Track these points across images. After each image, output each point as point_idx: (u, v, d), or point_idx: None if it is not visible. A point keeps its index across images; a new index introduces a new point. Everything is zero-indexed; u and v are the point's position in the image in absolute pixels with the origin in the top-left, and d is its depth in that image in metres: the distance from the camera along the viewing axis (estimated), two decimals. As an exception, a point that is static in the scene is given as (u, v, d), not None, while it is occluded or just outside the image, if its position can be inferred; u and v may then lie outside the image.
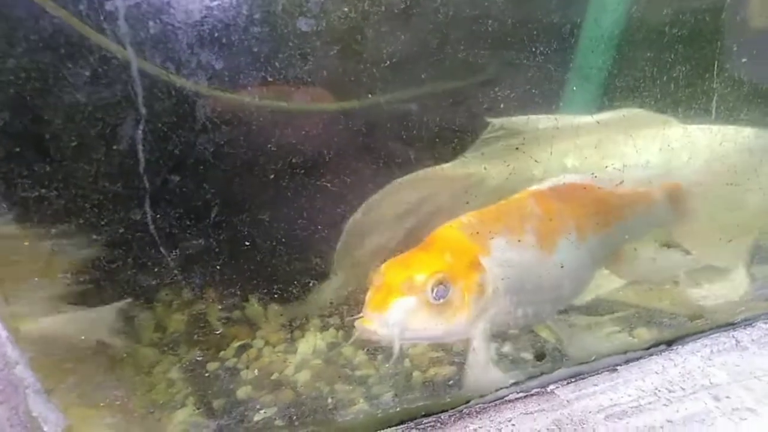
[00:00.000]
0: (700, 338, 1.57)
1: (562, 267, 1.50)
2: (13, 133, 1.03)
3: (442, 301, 1.28)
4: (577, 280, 1.60)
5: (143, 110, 1.05)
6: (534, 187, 1.57)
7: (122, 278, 1.27)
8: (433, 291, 1.27)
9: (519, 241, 1.44)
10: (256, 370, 1.73)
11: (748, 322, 1.61)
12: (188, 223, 1.24)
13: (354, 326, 1.28)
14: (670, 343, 1.58)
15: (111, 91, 1.03)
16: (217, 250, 1.34)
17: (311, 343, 1.85)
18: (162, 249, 1.21)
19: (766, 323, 1.60)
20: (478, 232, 1.41)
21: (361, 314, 1.27)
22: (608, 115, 1.78)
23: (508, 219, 1.47)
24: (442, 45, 1.55)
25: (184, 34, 1.03)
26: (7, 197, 1.05)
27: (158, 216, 1.17)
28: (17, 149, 1.03)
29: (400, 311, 1.25)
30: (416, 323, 1.27)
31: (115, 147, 1.09)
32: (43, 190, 1.07)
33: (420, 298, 1.26)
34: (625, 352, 1.55)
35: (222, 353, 1.75)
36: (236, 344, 1.78)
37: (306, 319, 1.88)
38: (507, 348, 1.84)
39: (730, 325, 1.61)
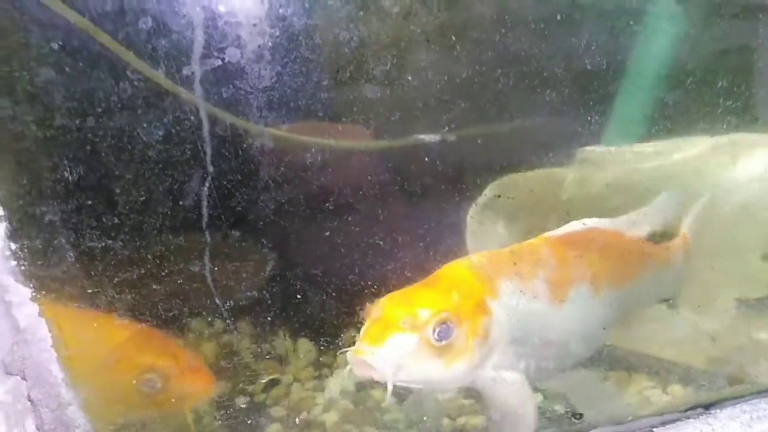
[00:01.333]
0: (739, 403, 1.54)
1: (571, 320, 1.42)
2: (85, 186, 1.09)
3: (444, 342, 1.19)
4: (587, 336, 1.52)
5: (210, 168, 1.11)
6: (549, 233, 1.47)
7: (176, 326, 1.33)
8: (435, 331, 1.18)
9: (529, 288, 1.35)
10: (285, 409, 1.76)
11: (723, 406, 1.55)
12: (244, 276, 1.29)
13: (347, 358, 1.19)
14: (707, 407, 1.56)
15: (181, 149, 1.10)
16: (269, 301, 1.38)
17: (338, 382, 1.88)
18: (217, 300, 1.26)
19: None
20: (487, 273, 1.32)
21: (353, 347, 1.19)
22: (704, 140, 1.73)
23: (520, 264, 1.38)
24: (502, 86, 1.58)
25: (255, 98, 1.10)
26: (76, 246, 1.10)
27: (216, 268, 1.22)
28: (89, 202, 1.09)
29: (397, 348, 1.15)
30: (413, 364, 1.17)
31: (180, 202, 1.15)
32: (109, 241, 1.12)
33: (420, 337, 1.17)
34: (662, 414, 1.56)
35: (251, 387, 1.79)
36: (265, 379, 1.83)
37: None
38: (539, 400, 1.87)
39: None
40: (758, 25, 1.82)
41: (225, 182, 1.16)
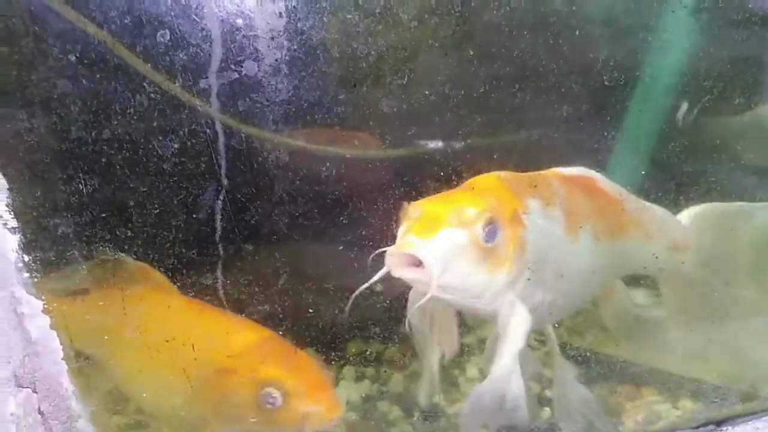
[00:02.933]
0: (751, 419, 1.56)
1: (580, 258, 1.37)
2: (99, 199, 1.10)
3: (490, 244, 1.11)
4: (588, 283, 1.46)
5: (225, 181, 1.12)
6: (559, 169, 1.42)
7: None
8: (484, 229, 1.10)
9: (550, 213, 1.29)
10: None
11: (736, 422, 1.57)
12: (257, 290, 1.30)
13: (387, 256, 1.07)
14: (719, 423, 1.56)
15: (196, 162, 1.12)
16: (280, 315, 1.38)
17: (344, 394, 1.88)
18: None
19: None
20: (516, 188, 1.26)
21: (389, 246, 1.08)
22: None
23: (541, 187, 1.32)
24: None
25: (271, 111, 1.11)
26: (88, 259, 1.11)
27: (228, 281, 1.23)
28: (102, 214, 1.10)
29: (447, 242, 1.06)
30: (459, 263, 1.09)
31: (195, 216, 1.16)
32: (122, 254, 1.14)
33: (470, 233, 1.09)
34: (673, 430, 1.57)
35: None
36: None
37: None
38: (546, 417, 1.88)
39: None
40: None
41: (238, 194, 1.17)
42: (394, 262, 1.06)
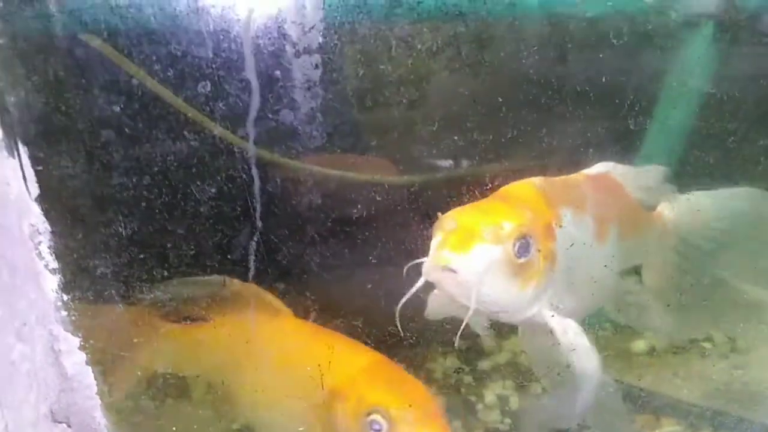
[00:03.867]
0: None
1: (608, 260, 1.37)
2: (139, 241, 1.13)
3: (523, 259, 1.12)
4: (611, 283, 1.46)
5: (259, 224, 1.15)
6: (587, 171, 1.43)
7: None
8: (516, 245, 1.11)
9: (581, 220, 1.29)
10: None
11: None
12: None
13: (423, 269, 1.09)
14: None
15: (231, 206, 1.15)
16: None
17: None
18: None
19: None
20: (550, 198, 1.25)
21: (424, 258, 1.10)
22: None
23: (574, 194, 1.33)
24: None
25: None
26: (125, 298, 1.14)
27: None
28: (140, 256, 1.13)
29: (483, 258, 1.07)
30: (493, 278, 1.09)
31: (229, 256, 1.19)
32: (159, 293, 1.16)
33: (504, 249, 1.10)
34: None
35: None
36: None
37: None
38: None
39: None
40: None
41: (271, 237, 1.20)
42: (434, 273, 1.08)
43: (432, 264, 1.08)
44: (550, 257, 1.18)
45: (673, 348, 2.29)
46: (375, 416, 1.21)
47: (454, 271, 1.07)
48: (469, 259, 1.06)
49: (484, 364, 2.14)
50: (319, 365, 1.26)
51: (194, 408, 1.54)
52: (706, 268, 1.66)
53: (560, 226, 1.22)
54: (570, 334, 1.23)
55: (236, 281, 1.31)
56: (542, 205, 1.22)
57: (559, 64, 1.64)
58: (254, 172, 1.10)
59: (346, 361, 1.31)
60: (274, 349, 1.38)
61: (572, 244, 1.24)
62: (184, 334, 1.42)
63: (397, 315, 1.13)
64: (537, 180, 1.28)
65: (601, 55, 1.68)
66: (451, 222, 1.11)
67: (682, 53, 1.93)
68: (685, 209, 1.62)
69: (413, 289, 1.10)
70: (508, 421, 1.88)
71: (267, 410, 1.39)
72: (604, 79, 1.67)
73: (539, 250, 1.15)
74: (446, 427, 1.25)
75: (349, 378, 1.27)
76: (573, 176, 1.41)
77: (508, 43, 1.55)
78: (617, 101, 1.71)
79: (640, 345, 2.30)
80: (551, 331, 1.23)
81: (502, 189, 1.25)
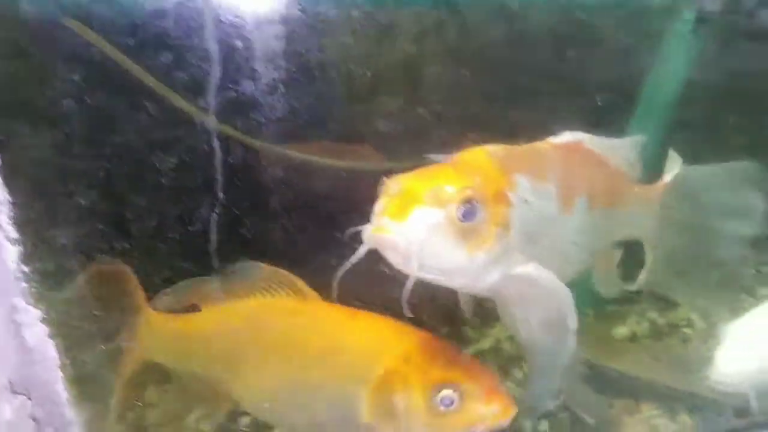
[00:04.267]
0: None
1: (574, 230, 1.34)
2: (100, 212, 1.12)
3: (468, 223, 1.08)
4: (583, 255, 1.43)
5: (221, 195, 1.14)
6: (553, 139, 1.39)
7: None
8: (460, 208, 1.07)
9: (541, 188, 1.26)
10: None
11: None
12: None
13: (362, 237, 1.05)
14: None
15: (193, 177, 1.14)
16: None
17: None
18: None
19: None
20: (505, 164, 1.21)
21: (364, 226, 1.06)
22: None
23: (533, 162, 1.28)
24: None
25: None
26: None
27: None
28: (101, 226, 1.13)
29: (422, 222, 1.04)
30: (437, 243, 1.06)
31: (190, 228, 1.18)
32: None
33: (447, 213, 1.06)
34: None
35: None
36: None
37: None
38: (544, 427, 1.88)
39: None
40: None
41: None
42: (374, 240, 1.05)
43: (371, 230, 1.05)
44: (503, 223, 1.15)
45: (654, 333, 2.30)
46: (445, 392, 1.21)
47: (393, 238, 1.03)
48: (408, 225, 1.03)
49: (467, 351, 2.14)
50: (367, 348, 1.28)
51: (178, 395, 1.54)
52: (706, 241, 1.65)
53: (515, 193, 1.19)
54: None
55: (265, 266, 1.30)
56: (494, 171, 1.18)
57: (535, 53, 1.63)
58: (216, 144, 1.09)
59: (396, 341, 1.29)
60: (314, 334, 1.36)
61: (531, 212, 1.21)
62: (196, 321, 1.39)
63: (334, 283, 1.11)
64: (492, 146, 1.25)
65: (582, 41, 1.68)
66: (394, 185, 1.08)
67: (662, 40, 1.91)
68: (686, 182, 1.61)
69: (354, 258, 1.06)
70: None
71: (298, 397, 1.36)
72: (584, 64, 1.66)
73: (488, 216, 1.11)
74: (509, 397, 1.26)
75: (406, 357, 1.26)
76: (536, 144, 1.37)
77: (488, 29, 1.54)
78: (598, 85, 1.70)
79: (621, 331, 2.31)
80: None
81: (455, 155, 1.21)
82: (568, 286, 1.25)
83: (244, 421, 1.77)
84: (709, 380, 1.61)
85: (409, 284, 1.06)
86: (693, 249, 1.65)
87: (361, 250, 1.05)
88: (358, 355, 1.28)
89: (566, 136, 1.40)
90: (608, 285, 1.65)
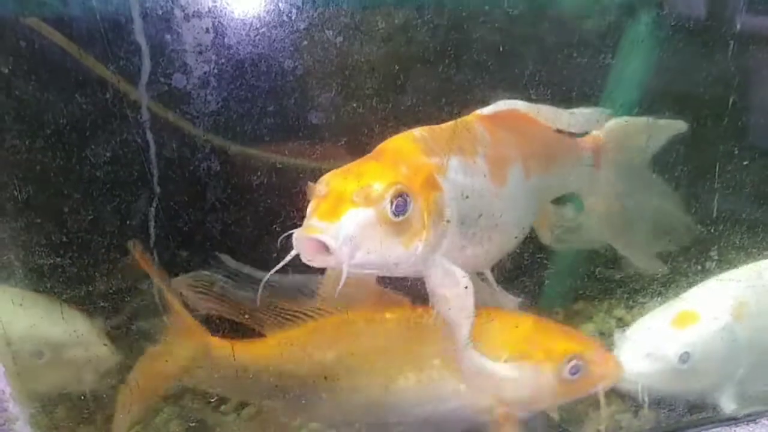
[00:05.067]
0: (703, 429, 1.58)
1: (511, 201, 1.35)
2: (34, 205, 1.13)
3: (401, 217, 1.07)
4: (523, 223, 1.45)
5: (158, 189, 1.15)
6: (481, 111, 1.37)
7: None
8: (392, 204, 1.06)
9: (472, 165, 1.25)
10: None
11: (751, 418, 1.60)
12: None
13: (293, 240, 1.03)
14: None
15: (128, 171, 1.15)
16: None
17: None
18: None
19: None
20: (432, 148, 1.21)
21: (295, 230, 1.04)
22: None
23: (460, 139, 1.27)
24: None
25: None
26: (25, 263, 1.14)
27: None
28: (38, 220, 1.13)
29: (353, 223, 1.03)
30: (370, 242, 1.05)
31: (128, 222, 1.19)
32: (58, 259, 1.16)
33: (377, 211, 1.05)
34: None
35: (223, 407, 1.77)
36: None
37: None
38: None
39: (732, 420, 1.61)
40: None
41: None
42: (303, 245, 1.03)
43: (301, 235, 1.03)
44: (437, 210, 1.15)
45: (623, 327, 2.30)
46: (574, 362, 1.44)
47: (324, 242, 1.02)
48: (339, 227, 1.02)
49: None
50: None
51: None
52: (644, 191, 1.72)
53: (445, 175, 1.19)
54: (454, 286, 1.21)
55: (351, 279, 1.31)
56: (422, 157, 1.18)
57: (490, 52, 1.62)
58: (150, 137, 1.10)
59: (510, 328, 1.47)
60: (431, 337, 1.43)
61: (465, 191, 1.22)
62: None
63: (260, 289, 1.12)
64: (417, 131, 1.24)
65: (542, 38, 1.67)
66: (322, 187, 1.08)
67: (622, 40, 1.92)
68: (618, 133, 1.66)
69: (284, 261, 1.05)
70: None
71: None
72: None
73: (420, 206, 1.11)
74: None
75: (527, 340, 1.46)
76: (464, 119, 1.34)
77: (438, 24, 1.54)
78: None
79: (589, 328, 2.30)
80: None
81: (379, 146, 1.20)
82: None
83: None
84: None
85: (343, 280, 1.05)
86: (627, 199, 1.70)
87: (292, 253, 1.04)
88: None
89: (495, 106, 1.38)
90: (548, 238, 1.68)
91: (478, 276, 1.42)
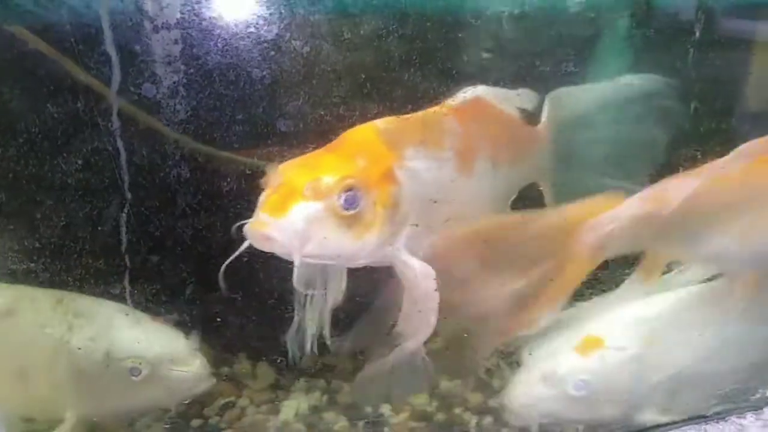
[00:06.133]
0: (671, 430, 1.58)
1: (477, 193, 1.36)
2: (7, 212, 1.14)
3: (351, 211, 1.09)
4: (488, 209, 1.46)
5: (129, 195, 1.17)
6: (451, 101, 1.38)
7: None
8: (341, 197, 1.07)
9: (437, 157, 1.26)
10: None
11: (720, 416, 1.61)
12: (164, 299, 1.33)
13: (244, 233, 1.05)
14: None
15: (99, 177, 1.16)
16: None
17: (294, 405, 1.91)
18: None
19: (739, 418, 1.60)
20: (395, 140, 1.21)
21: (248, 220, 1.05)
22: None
23: (427, 131, 1.28)
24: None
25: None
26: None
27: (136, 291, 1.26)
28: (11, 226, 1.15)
29: (301, 217, 1.05)
30: (320, 235, 1.07)
31: (100, 228, 1.20)
32: (32, 264, 1.17)
33: (326, 205, 1.07)
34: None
35: (205, 410, 1.79)
36: (221, 401, 1.81)
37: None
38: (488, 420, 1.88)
39: (702, 418, 1.61)
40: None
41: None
42: (254, 236, 1.04)
43: (251, 227, 1.04)
44: (391, 203, 1.16)
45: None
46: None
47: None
48: (287, 220, 1.04)
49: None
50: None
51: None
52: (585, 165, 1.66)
53: (405, 169, 1.19)
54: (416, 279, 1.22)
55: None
56: (382, 150, 1.19)
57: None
58: (120, 144, 1.11)
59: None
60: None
61: (426, 183, 1.22)
62: None
63: (221, 279, 1.12)
64: (381, 122, 1.24)
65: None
66: (276, 177, 1.09)
67: (597, 45, 1.94)
68: (561, 108, 1.63)
69: (237, 252, 1.07)
70: (435, 403, 1.88)
71: None
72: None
73: (373, 199, 1.12)
74: None
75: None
76: (430, 110, 1.35)
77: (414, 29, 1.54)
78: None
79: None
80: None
81: (342, 135, 1.20)
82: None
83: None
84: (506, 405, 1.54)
85: (296, 271, 1.07)
86: (581, 172, 1.64)
87: (245, 245, 1.06)
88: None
89: (465, 93, 1.40)
90: None
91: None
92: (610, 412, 1.55)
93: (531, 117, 1.57)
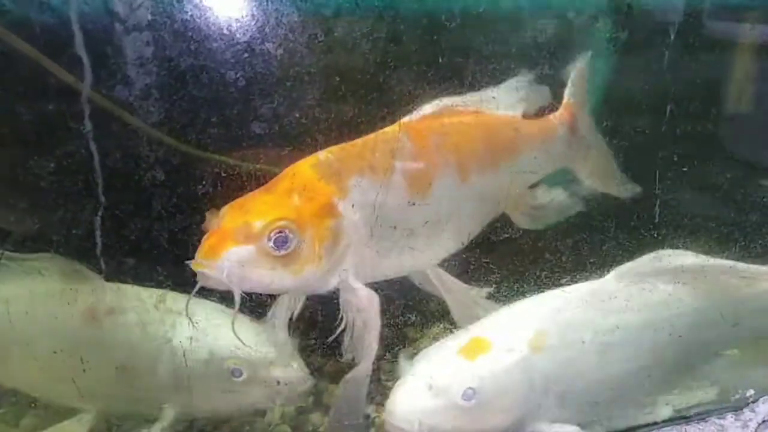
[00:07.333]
0: (652, 430, 1.58)
1: (438, 211, 1.35)
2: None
3: (283, 251, 1.13)
4: (459, 226, 1.45)
5: (102, 198, 1.17)
6: (407, 118, 1.38)
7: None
8: (271, 240, 1.12)
9: (385, 181, 1.28)
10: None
11: (701, 417, 1.60)
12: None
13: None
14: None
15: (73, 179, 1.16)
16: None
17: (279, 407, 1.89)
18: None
19: (719, 419, 1.59)
20: (335, 171, 1.24)
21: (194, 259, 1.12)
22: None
23: (374, 156, 1.29)
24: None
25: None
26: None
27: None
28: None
29: (234, 260, 1.10)
30: (255, 274, 1.13)
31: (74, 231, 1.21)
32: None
33: (258, 248, 1.12)
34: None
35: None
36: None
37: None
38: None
39: (684, 419, 1.60)
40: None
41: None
42: (198, 273, 1.11)
43: (194, 267, 1.11)
44: (330, 237, 1.20)
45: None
46: None
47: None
48: (221, 263, 1.09)
49: (407, 352, 2.12)
50: None
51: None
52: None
53: (347, 200, 1.23)
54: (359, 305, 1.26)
55: None
56: (320, 185, 1.22)
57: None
58: (93, 147, 1.12)
59: None
60: None
61: (372, 209, 1.26)
62: None
63: (186, 310, 1.19)
64: (322, 154, 1.28)
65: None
66: (215, 220, 1.16)
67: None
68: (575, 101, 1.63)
69: (195, 290, 1.13)
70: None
71: None
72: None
73: (308, 237, 1.16)
74: None
75: None
76: (379, 132, 1.36)
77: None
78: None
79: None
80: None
81: (283, 171, 1.25)
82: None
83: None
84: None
85: (237, 302, 1.12)
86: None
87: (199, 285, 1.12)
88: None
89: (424, 110, 1.40)
90: (523, 222, 1.65)
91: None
92: (502, 421, 1.39)
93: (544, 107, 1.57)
